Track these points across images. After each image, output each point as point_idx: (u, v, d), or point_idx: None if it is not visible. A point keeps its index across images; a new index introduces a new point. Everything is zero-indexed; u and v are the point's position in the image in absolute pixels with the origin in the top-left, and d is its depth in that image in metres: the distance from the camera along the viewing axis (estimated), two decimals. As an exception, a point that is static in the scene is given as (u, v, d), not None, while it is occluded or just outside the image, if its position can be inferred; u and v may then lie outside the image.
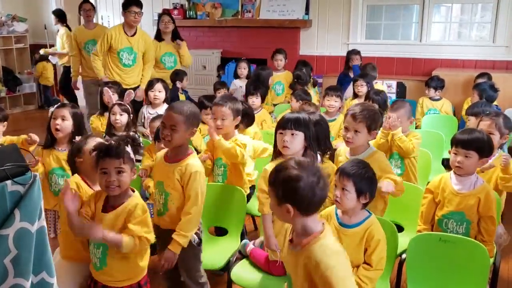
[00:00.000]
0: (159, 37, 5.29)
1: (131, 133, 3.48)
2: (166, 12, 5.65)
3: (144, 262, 2.04)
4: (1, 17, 7.87)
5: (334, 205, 2.19)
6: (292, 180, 1.52)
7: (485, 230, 2.33)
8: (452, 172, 2.46)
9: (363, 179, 2.04)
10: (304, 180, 1.51)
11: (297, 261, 1.58)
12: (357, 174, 2.03)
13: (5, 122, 3.07)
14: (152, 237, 1.97)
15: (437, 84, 4.96)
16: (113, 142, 1.99)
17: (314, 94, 5.10)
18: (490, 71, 5.20)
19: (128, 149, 1.98)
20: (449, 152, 2.46)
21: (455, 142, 2.40)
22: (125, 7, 4.74)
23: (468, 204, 2.35)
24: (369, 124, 2.49)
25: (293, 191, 1.51)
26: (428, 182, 3.31)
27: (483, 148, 2.36)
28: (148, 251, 2.07)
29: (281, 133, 2.27)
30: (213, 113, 2.89)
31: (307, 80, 5.06)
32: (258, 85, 4.75)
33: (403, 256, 2.34)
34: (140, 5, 4.76)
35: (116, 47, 4.77)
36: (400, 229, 2.67)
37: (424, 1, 6.04)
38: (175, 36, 5.32)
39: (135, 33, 4.83)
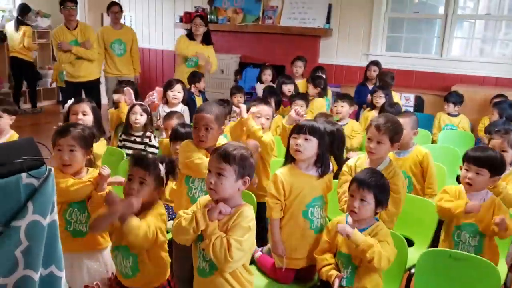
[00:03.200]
0: (190, 36, 5.60)
1: (148, 133, 3.53)
2: (199, 15, 5.78)
3: (167, 261, 2.09)
4: (26, 13, 8.02)
5: (346, 214, 2.19)
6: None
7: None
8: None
9: (382, 190, 2.08)
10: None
11: None
12: (377, 185, 2.06)
13: (14, 116, 3.09)
14: (162, 238, 1.97)
15: (456, 99, 4.89)
16: (150, 155, 2.05)
17: (327, 103, 5.08)
18: (510, 89, 5.12)
19: (161, 167, 2.01)
20: (460, 168, 2.46)
21: (468, 159, 2.40)
22: (61, 3, 5.32)
23: (480, 216, 2.33)
24: (392, 136, 2.51)
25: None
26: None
27: (495, 166, 2.36)
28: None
29: (294, 137, 2.28)
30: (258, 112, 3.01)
31: (325, 84, 5.00)
32: (274, 90, 4.77)
33: (412, 270, 2.31)
34: (72, 1, 5.33)
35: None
36: (410, 243, 2.64)
37: (447, 16, 6.00)
38: (206, 39, 5.62)
39: (76, 27, 5.42)
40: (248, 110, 2.95)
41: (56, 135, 2.22)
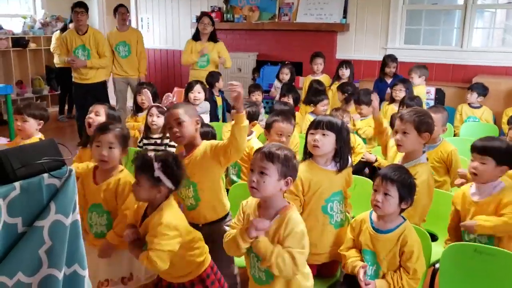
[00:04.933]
0: (196, 36, 5.54)
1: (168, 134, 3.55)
2: (206, 13, 5.77)
3: (201, 257, 2.08)
4: (46, 18, 8.16)
5: (370, 210, 2.17)
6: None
7: None
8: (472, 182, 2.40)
9: (406, 185, 2.05)
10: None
11: None
12: (401, 179, 2.04)
13: (41, 121, 3.10)
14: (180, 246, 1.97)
15: (481, 90, 4.80)
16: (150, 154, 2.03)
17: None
18: (535, 79, 5.00)
19: (156, 165, 1.96)
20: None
21: (472, 148, 2.36)
22: (71, 8, 5.42)
23: (486, 211, 2.28)
24: (417, 124, 2.45)
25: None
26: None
27: (501, 155, 2.27)
28: (201, 244, 2.11)
29: (312, 133, 2.27)
30: None
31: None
32: (292, 87, 4.75)
33: (437, 265, 2.28)
34: (82, 6, 5.36)
35: (71, 47, 5.40)
36: (434, 238, 2.60)
37: (466, 6, 5.88)
38: (212, 37, 5.55)
39: (86, 32, 5.44)
40: (271, 124, 2.97)
41: (96, 131, 2.32)
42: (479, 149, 2.31)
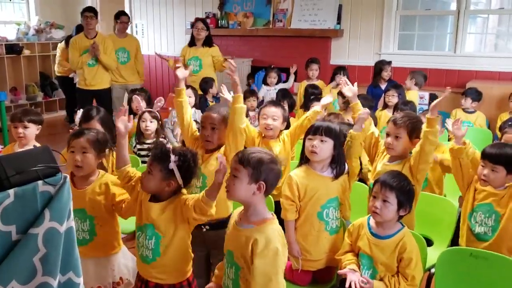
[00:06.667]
0: (192, 42, 5.54)
1: (161, 139, 3.55)
2: (200, 19, 5.76)
3: (190, 260, 2.08)
4: (40, 24, 8.15)
5: (367, 215, 2.17)
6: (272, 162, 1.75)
7: None
8: None
9: (405, 192, 2.06)
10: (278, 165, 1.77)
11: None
12: (400, 186, 2.04)
13: (39, 126, 3.13)
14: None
15: (475, 96, 4.83)
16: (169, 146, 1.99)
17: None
18: (527, 84, 5.04)
19: (172, 158, 1.92)
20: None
21: (484, 155, 2.39)
22: (81, 13, 5.54)
23: (496, 197, 2.35)
24: (410, 130, 2.47)
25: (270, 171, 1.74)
26: (460, 196, 3.27)
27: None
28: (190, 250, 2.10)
29: (310, 138, 2.27)
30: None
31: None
32: (287, 92, 4.76)
33: (432, 270, 2.28)
34: (91, 10, 5.54)
35: (79, 50, 5.47)
36: (430, 243, 2.60)
37: (459, 11, 5.92)
38: (208, 42, 5.53)
39: (95, 36, 5.50)
40: (259, 111, 2.96)
41: (70, 136, 2.27)
42: (492, 158, 2.35)
